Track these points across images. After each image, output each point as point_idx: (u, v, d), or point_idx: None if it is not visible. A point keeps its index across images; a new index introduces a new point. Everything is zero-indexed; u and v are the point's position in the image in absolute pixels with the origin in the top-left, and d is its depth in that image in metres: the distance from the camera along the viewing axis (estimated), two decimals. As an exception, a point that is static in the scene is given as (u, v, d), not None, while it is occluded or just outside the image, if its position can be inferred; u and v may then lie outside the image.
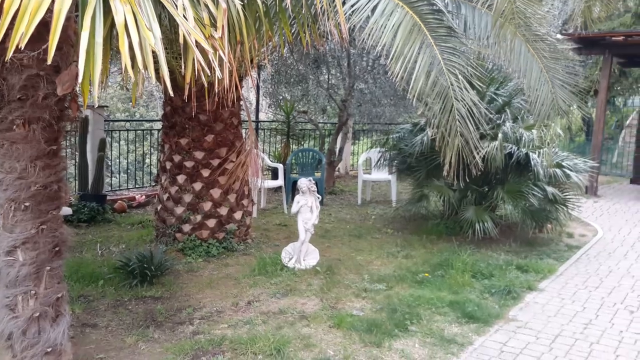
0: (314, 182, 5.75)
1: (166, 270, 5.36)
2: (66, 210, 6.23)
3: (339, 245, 6.82)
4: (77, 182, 7.95)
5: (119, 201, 8.35)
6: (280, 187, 9.05)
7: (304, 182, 5.63)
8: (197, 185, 6.19)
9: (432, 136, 6.30)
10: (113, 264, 5.39)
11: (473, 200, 7.11)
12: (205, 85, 2.89)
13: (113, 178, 10.80)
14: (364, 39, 4.26)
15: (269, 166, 9.70)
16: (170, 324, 4.39)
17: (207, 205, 6.20)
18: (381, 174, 9.52)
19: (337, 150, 10.84)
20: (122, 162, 10.87)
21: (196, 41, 2.24)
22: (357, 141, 13.58)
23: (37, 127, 2.80)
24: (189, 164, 6.18)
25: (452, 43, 4.42)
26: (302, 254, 5.72)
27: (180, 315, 4.55)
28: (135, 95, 2.84)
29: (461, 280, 5.48)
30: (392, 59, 4.19)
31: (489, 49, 5.06)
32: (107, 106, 9.99)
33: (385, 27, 4.11)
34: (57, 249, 3.03)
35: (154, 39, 2.09)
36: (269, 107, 11.35)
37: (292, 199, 9.60)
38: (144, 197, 8.88)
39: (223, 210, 6.28)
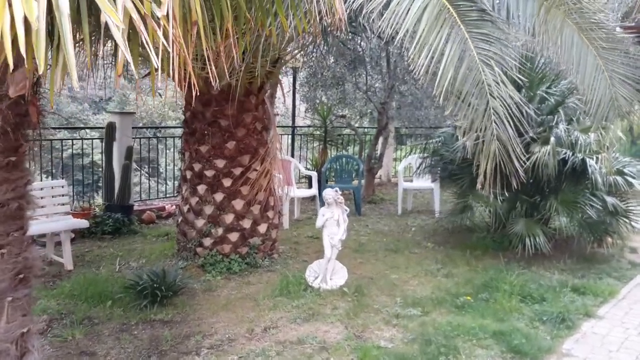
0: (340, 192, 5.22)
1: (180, 290, 4.94)
2: (82, 224, 5.92)
3: (372, 261, 6.25)
4: (103, 192, 7.66)
5: (148, 212, 8.04)
6: (314, 197, 8.53)
7: (329, 193, 5.11)
8: (218, 196, 5.75)
9: (464, 140, 5.67)
10: (125, 282, 5.00)
11: (523, 212, 6.43)
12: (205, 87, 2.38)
13: (144, 186, 10.57)
14: (381, 27, 3.70)
15: (303, 174, 9.23)
16: (175, 353, 3.94)
17: (228, 218, 5.76)
18: (423, 182, 8.88)
19: (377, 156, 10.27)
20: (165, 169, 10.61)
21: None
22: (400, 146, 12.94)
23: (-13, 135, 2.39)
24: (209, 173, 5.76)
25: (487, 29, 3.79)
26: (329, 273, 5.19)
27: (188, 343, 4.10)
28: (153, 89, 2.40)
29: (508, 305, 4.84)
30: (415, 48, 3.61)
31: (535, 39, 4.40)
32: (134, 112, 9.75)
33: (407, 11, 3.54)
34: (20, 276, 2.62)
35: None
36: (305, 111, 10.88)
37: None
38: (174, 206, 8.54)
39: (246, 223, 5.82)
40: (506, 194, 5.39)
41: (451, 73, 3.66)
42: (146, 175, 12.79)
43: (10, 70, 2.31)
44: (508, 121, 4.02)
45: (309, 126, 11.29)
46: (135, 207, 8.16)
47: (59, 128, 9.15)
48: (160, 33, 1.73)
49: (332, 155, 10.04)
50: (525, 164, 4.60)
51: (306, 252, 6.46)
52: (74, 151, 11.53)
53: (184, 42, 2.03)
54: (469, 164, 6.49)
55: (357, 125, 11.11)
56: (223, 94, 5.59)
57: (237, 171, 5.76)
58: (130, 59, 1.54)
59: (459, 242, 7.00)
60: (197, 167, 5.82)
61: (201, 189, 5.80)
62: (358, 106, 10.47)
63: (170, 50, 1.85)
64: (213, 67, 2.64)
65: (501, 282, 5.30)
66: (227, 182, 5.74)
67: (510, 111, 4.01)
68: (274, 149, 5.81)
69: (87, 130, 12.69)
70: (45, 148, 9.85)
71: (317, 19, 3.02)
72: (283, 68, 10.30)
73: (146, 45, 1.65)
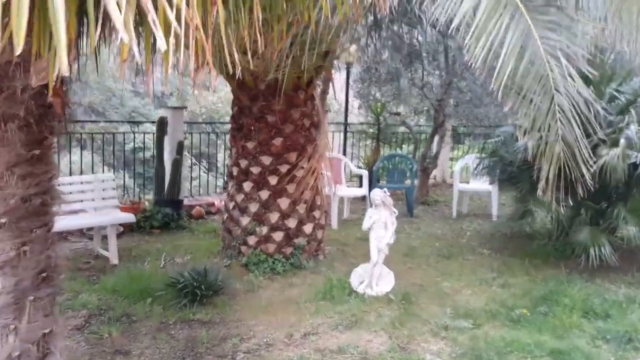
0: (389, 193, 4.95)
1: (221, 289, 4.81)
2: (129, 218, 5.88)
3: (423, 267, 5.95)
4: (153, 186, 7.67)
5: (197, 207, 8.01)
6: (364, 197, 8.27)
7: (377, 194, 4.85)
8: (264, 194, 5.60)
9: (525, 140, 5.28)
10: (167, 280, 4.91)
11: (588, 220, 5.96)
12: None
13: (202, 181, 10.59)
14: (434, 15, 3.40)
15: (353, 173, 8.98)
16: (211, 356, 3.80)
17: (273, 217, 5.60)
18: (480, 184, 8.44)
19: (432, 155, 9.90)
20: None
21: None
22: (458, 146, 12.48)
23: (13, 126, 2.28)
24: (255, 169, 5.62)
25: (553, 16, 3.43)
26: (374, 278, 4.94)
27: (225, 346, 3.95)
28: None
29: (568, 321, 4.45)
30: (471, 37, 3.30)
31: (606, 30, 3.99)
32: (186, 107, 9.75)
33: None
34: (43, 274, 2.50)
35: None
36: (358, 108, 10.62)
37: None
38: (222, 202, 8.48)
39: (291, 223, 5.64)
40: (570, 201, 4.95)
41: (511, 65, 3.33)
42: (204, 169, 12.88)
43: (34, 59, 2.22)
44: (575, 120, 3.65)
45: (361, 123, 11.02)
46: (186, 202, 8.14)
47: (119, 122, 9.27)
48: (172, 16, 1.52)
49: (385, 154, 9.74)
50: (592, 168, 4.19)
51: (353, 255, 6.21)
52: (136, 145, 11.75)
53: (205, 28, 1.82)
54: (529, 167, 6.07)
55: (412, 123, 10.74)
56: (270, 88, 5.42)
57: (284, 169, 5.59)
58: (126, 39, 1.34)
59: (518, 249, 6.59)
60: (243, 163, 5.69)
61: (247, 186, 5.66)
62: (413, 103, 10.11)
63: (187, 36, 1.64)
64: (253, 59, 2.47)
65: (561, 294, 4.90)
66: (272, 180, 5.58)
67: (578, 109, 3.63)
68: (322, 147, 5.59)
69: (148, 125, 12.88)
70: (108, 141, 10.04)
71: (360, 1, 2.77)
72: (336, 63, 10.10)
73: (154, 29, 1.45)
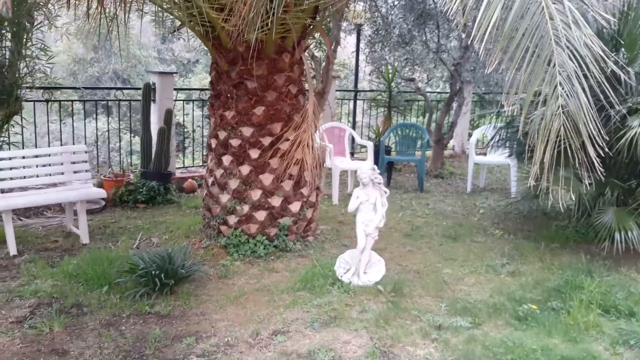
0: (378, 171, 4.31)
1: (188, 276, 4.28)
2: (99, 193, 5.34)
3: (424, 250, 5.33)
4: (140, 158, 7.15)
5: (190, 180, 7.49)
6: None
7: (365, 172, 4.22)
8: (244, 169, 5.02)
9: (509, 109, 4.57)
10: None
11: (614, 200, 5.25)
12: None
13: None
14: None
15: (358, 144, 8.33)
16: (157, 360, 3.29)
17: (255, 194, 5.02)
18: (498, 156, 7.72)
19: (448, 125, 9.18)
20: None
21: None
22: (477, 114, 11.67)
23: None
24: (234, 142, 5.02)
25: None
26: (362, 266, 4.35)
27: (177, 346, 3.43)
28: None
29: (584, 320, 3.80)
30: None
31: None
32: (176, 72, 9.16)
33: None
34: None
35: None
36: (369, 74, 9.89)
37: (388, 182, 8.21)
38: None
39: (275, 201, 5.06)
40: (592, 178, 4.25)
41: (498, 10, 2.65)
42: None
43: None
44: (579, 82, 2.96)
45: (371, 90, 10.29)
46: (178, 175, 7.66)
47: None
48: None
49: (396, 124, 9.05)
50: (604, 148, 3.48)
51: (349, 235, 5.61)
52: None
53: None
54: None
55: (428, 90, 9.98)
56: (251, 50, 4.78)
57: (266, 141, 4.99)
58: None
59: (534, 230, 5.92)
60: (222, 135, 5.10)
61: (226, 159, 5.09)
62: (428, 68, 9.34)
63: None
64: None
65: (579, 286, 4.24)
66: (254, 154, 4.99)
67: (584, 66, 2.94)
68: (310, 116, 4.96)
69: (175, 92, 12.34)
70: (135, 108, 9.54)
71: None
72: (345, 25, 9.35)
73: None
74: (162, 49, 19.14)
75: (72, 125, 7.44)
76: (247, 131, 4.97)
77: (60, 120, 7.02)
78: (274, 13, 4.44)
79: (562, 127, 3.16)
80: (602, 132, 3.34)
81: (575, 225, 5.58)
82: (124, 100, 7.92)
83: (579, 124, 3.12)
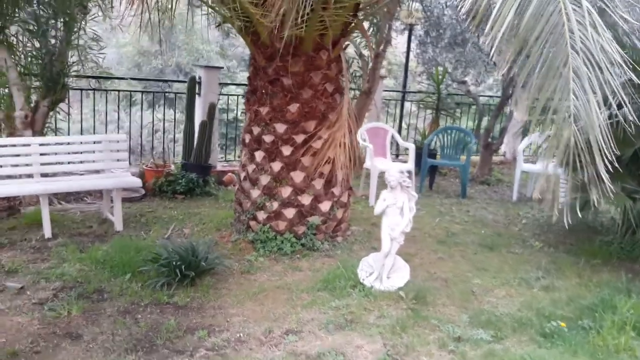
0: (407, 174, 4.19)
1: (211, 269, 4.30)
2: (134, 182, 5.45)
3: (456, 259, 5.16)
4: (182, 150, 7.25)
5: (230, 173, 7.54)
6: (409, 172, 7.44)
7: (393, 174, 4.10)
8: (276, 166, 4.99)
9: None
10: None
11: (663, 217, 4.92)
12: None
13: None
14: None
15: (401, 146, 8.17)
16: (166, 351, 3.30)
17: (285, 191, 4.99)
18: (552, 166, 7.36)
19: (498, 130, 8.88)
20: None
21: None
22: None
23: None
24: (268, 138, 5.00)
25: None
26: (386, 270, 4.24)
27: (189, 339, 3.44)
28: None
29: (614, 343, 3.57)
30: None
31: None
32: (222, 67, 9.23)
33: None
34: None
35: None
36: (419, 75, 9.69)
37: (430, 186, 8.02)
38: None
39: (305, 199, 5.01)
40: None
41: (513, 10, 2.50)
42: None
43: None
44: (592, 88, 2.76)
45: (419, 92, 10.07)
46: (219, 168, 7.73)
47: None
48: None
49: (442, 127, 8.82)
50: (614, 162, 3.26)
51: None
52: (220, 106, 11.36)
53: None
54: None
55: (480, 94, 9.69)
56: (288, 47, 4.74)
57: (299, 138, 4.94)
58: None
59: (576, 244, 5.63)
60: (256, 130, 5.09)
61: (259, 155, 5.07)
62: (480, 71, 9.05)
63: None
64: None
65: (614, 306, 3.99)
66: (286, 151, 4.95)
67: (598, 70, 2.73)
68: (344, 115, 4.88)
69: (233, 87, 12.58)
70: None
71: None
72: (397, 25, 9.20)
73: None
74: (225, 44, 19.43)
75: (118, 115, 7.63)
76: (280, 128, 4.94)
77: (107, 110, 7.21)
78: (312, 9, 4.40)
79: (572, 138, 2.95)
80: (612, 143, 3.11)
81: (621, 241, 5.26)
82: (170, 92, 8.05)
83: (590, 135, 2.90)
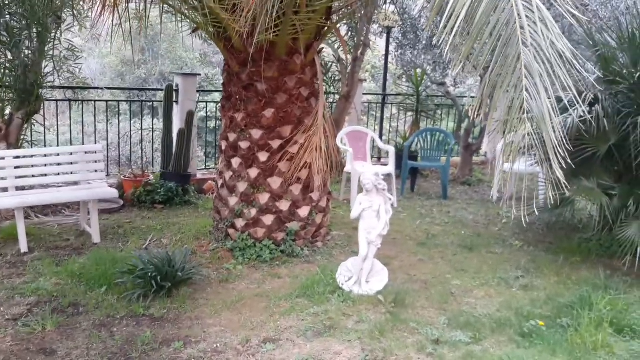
0: (382, 177, 4.19)
1: (187, 279, 4.26)
2: (110, 193, 5.39)
3: (436, 260, 5.16)
4: (161, 159, 7.20)
5: (210, 181, 7.50)
6: (389, 175, 7.45)
7: (367, 178, 4.10)
8: (253, 172, 4.97)
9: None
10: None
11: (639, 213, 4.95)
12: None
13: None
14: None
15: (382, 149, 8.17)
16: (142, 364, 3.25)
17: (263, 198, 4.97)
18: (528, 164, 7.41)
19: (477, 130, 8.93)
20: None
21: None
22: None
23: None
24: (244, 144, 4.98)
25: None
26: (364, 274, 4.23)
27: (164, 351, 3.39)
28: None
29: (592, 340, 3.58)
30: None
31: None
32: (199, 74, 9.21)
33: None
34: None
35: None
36: (398, 78, 9.72)
37: (412, 188, 8.03)
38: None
39: (283, 205, 4.99)
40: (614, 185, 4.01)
41: (467, 5, 2.51)
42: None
43: None
44: (542, 83, 2.78)
45: (398, 94, 10.09)
46: (199, 176, 7.69)
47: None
48: None
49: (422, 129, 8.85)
50: (567, 159, 3.29)
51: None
52: (205, 114, 11.31)
53: None
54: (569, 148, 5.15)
55: (461, 95, 9.74)
56: (262, 52, 4.72)
57: (276, 144, 4.93)
58: None
59: (556, 242, 5.66)
60: (232, 137, 5.07)
61: (235, 162, 5.05)
62: (459, 72, 9.09)
63: None
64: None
65: (592, 303, 4.00)
66: (262, 157, 4.93)
67: (548, 65, 2.76)
68: (320, 119, 4.87)
69: (217, 94, 12.50)
70: None
71: None
72: (375, 28, 9.22)
73: None
74: (209, 52, 19.37)
75: (95, 125, 7.56)
76: (256, 134, 4.92)
77: (83, 121, 7.14)
78: (284, 13, 4.39)
79: (528, 135, 2.97)
80: (565, 140, 3.14)
81: (599, 238, 5.30)
82: (147, 102, 7.99)
83: (543, 130, 2.92)
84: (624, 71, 5.02)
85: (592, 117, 4.91)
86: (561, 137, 3.12)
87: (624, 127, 4.90)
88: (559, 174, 3.15)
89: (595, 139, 5.04)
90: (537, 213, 5.76)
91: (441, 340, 3.59)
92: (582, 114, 4.81)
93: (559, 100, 5.07)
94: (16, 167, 5.16)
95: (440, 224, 6.36)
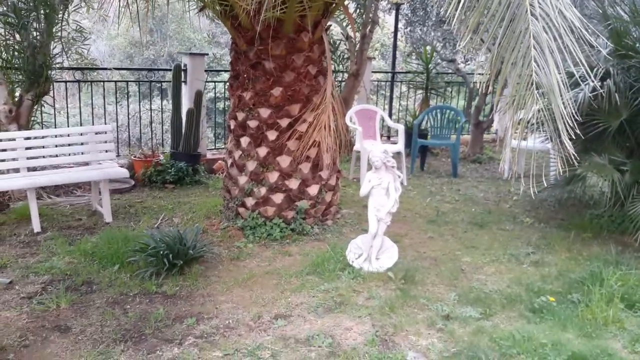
0: (391, 154, 4.17)
1: (199, 257, 4.29)
2: (120, 173, 5.42)
3: (446, 237, 5.16)
4: (171, 139, 7.22)
5: (220, 161, 7.52)
6: (399, 153, 7.42)
7: (376, 155, 4.08)
8: (262, 151, 4.97)
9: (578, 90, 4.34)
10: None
11: (651, 188, 4.92)
12: None
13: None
14: None
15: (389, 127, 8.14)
16: (155, 340, 3.29)
17: (272, 176, 4.97)
18: (538, 141, 7.36)
19: (488, 108, 8.85)
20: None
21: None
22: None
23: None
24: (252, 123, 4.98)
25: None
26: (374, 252, 4.24)
27: (177, 327, 3.43)
28: None
29: (603, 315, 3.58)
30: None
31: None
32: (206, 54, 9.17)
33: None
34: None
35: None
36: (408, 55, 9.63)
37: (422, 166, 8.01)
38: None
39: (293, 184, 5.00)
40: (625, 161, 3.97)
41: None
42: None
43: None
44: (551, 55, 2.74)
45: (408, 72, 10.02)
46: (209, 156, 7.70)
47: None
48: None
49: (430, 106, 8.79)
50: (575, 129, 3.25)
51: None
52: (216, 94, 11.29)
53: None
54: (581, 123, 5.09)
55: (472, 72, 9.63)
56: (269, 29, 4.70)
57: (284, 122, 4.92)
58: None
59: (567, 219, 5.63)
60: (240, 116, 5.06)
61: (244, 141, 5.05)
62: (468, 48, 9.00)
63: None
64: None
65: (603, 279, 3.99)
66: (271, 135, 4.93)
67: (560, 40, 2.72)
68: (328, 97, 4.85)
69: (226, 74, 12.43)
70: None
71: None
72: (384, 4, 9.12)
73: None
74: (217, 32, 19.27)
75: (104, 106, 7.58)
76: (264, 112, 4.92)
77: (92, 102, 7.15)
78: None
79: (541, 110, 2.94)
80: (576, 115, 3.10)
81: (610, 214, 5.27)
82: (156, 82, 7.99)
83: (552, 102, 2.89)
84: (637, 45, 4.94)
85: (603, 92, 4.85)
86: (572, 112, 3.08)
87: (636, 102, 4.84)
88: (570, 148, 3.12)
89: (606, 114, 4.99)
90: (548, 189, 5.76)
91: (451, 316, 3.61)
92: (593, 88, 4.74)
93: (570, 75, 5.02)
94: (27, 148, 5.20)
95: (450, 202, 6.34)
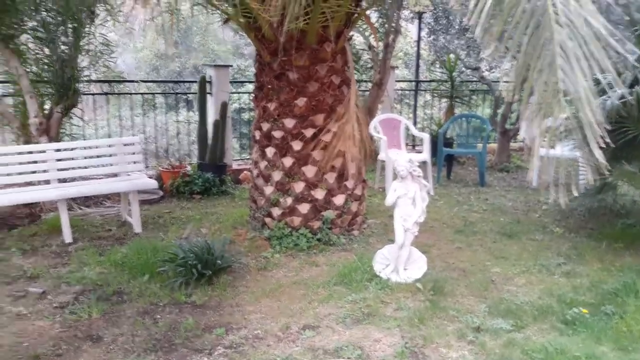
0: (417, 163, 4.15)
1: (227, 267, 4.31)
2: (149, 184, 5.47)
3: (474, 248, 5.10)
4: (197, 150, 7.29)
5: (246, 171, 7.56)
6: (425, 162, 7.38)
7: (402, 164, 4.06)
8: (287, 161, 4.99)
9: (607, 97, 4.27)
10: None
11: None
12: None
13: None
14: None
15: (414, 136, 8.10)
16: (185, 350, 3.31)
17: (298, 186, 4.98)
18: (568, 149, 7.25)
19: (515, 116, 8.77)
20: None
21: None
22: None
23: None
24: (277, 134, 5.00)
25: None
26: (402, 262, 4.21)
27: (206, 337, 3.45)
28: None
29: (639, 328, 3.49)
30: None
31: None
32: (231, 65, 9.25)
33: None
34: None
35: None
36: (431, 64, 9.59)
37: (448, 175, 7.95)
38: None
39: (318, 194, 5.00)
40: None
41: None
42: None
43: None
44: (578, 63, 2.70)
45: (431, 80, 9.97)
46: (235, 167, 7.76)
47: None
48: None
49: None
50: (605, 138, 3.18)
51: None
52: (240, 105, 11.44)
53: None
54: (611, 130, 5.00)
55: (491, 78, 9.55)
56: (292, 41, 4.73)
57: (309, 132, 4.93)
58: None
59: (599, 229, 5.53)
60: (265, 126, 5.09)
61: (269, 151, 5.08)
62: (494, 56, 8.94)
63: None
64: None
65: (637, 290, 3.91)
66: (296, 145, 4.94)
67: (586, 48, 2.67)
68: (352, 107, 4.85)
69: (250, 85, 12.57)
70: None
71: None
72: (407, 13, 9.12)
73: None
74: (241, 44, 19.47)
75: (132, 118, 7.70)
76: (289, 123, 4.94)
77: (120, 115, 7.27)
78: (313, 1, 4.37)
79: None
80: (605, 122, 3.04)
81: (644, 223, 5.17)
82: (182, 94, 8.09)
83: (580, 111, 2.84)
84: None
85: (632, 99, 4.77)
86: (601, 120, 3.03)
87: (667, 108, 4.74)
88: (601, 157, 3.06)
89: (636, 122, 4.89)
90: (578, 198, 5.67)
91: (482, 328, 3.56)
92: (621, 95, 4.66)
93: (597, 81, 4.95)
94: (57, 160, 5.29)
95: (478, 211, 6.28)
